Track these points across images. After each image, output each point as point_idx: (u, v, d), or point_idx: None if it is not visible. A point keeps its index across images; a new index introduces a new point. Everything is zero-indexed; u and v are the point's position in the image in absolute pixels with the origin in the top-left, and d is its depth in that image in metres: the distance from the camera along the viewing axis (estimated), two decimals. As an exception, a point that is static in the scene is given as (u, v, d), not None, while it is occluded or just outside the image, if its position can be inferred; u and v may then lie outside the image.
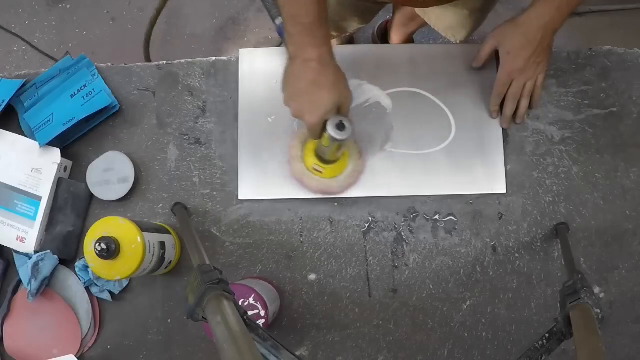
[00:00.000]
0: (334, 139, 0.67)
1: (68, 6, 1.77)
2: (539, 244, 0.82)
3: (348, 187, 0.82)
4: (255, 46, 1.71)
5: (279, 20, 0.73)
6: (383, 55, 0.87)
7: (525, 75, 0.78)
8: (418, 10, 1.08)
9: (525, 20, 0.74)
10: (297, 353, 0.81)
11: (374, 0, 1.00)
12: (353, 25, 1.08)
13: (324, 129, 0.67)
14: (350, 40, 1.59)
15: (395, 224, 0.83)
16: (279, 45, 0.89)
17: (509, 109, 0.82)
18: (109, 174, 0.83)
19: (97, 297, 0.82)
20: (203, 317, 0.56)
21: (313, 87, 0.66)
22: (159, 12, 1.31)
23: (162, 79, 0.87)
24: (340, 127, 0.66)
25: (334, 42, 1.43)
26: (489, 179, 0.83)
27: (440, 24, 1.07)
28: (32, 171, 0.81)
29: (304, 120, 0.68)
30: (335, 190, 0.81)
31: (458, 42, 1.09)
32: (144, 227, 0.72)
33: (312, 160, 0.80)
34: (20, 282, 0.82)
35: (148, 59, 1.42)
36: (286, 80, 0.69)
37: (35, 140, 0.81)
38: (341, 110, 0.68)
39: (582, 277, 0.63)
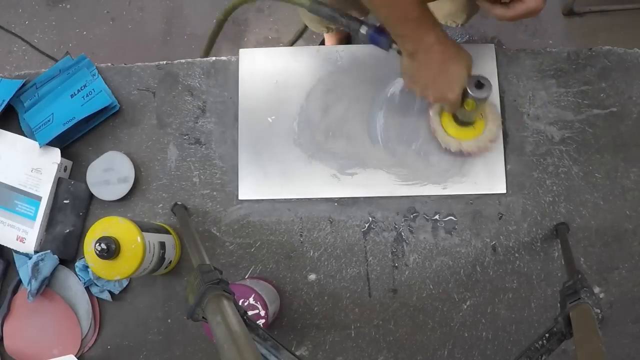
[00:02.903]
0: (478, 99, 0.69)
1: (68, 6, 1.77)
2: (539, 244, 0.82)
3: (483, 150, 0.81)
4: (255, 46, 1.71)
5: (363, 29, 0.74)
6: (383, 55, 0.87)
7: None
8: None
9: None
10: (297, 353, 0.81)
11: None
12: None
13: (464, 97, 0.70)
14: (348, 40, 1.59)
15: (395, 224, 0.83)
16: (281, 45, 0.89)
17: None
18: (109, 174, 0.83)
19: (97, 297, 0.82)
20: (203, 317, 0.56)
21: (444, 67, 0.69)
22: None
23: (162, 79, 0.87)
24: (478, 85, 0.69)
25: (332, 36, 1.43)
26: (489, 179, 0.83)
27: (438, 12, 1.07)
28: (32, 171, 0.81)
29: (447, 100, 0.71)
30: (473, 150, 0.81)
31: (459, 25, 1.09)
32: (144, 227, 0.72)
33: (450, 124, 0.81)
34: (20, 282, 0.82)
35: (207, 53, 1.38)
36: (413, 75, 0.72)
37: (35, 140, 0.81)
38: (469, 72, 0.71)
39: (582, 277, 0.63)
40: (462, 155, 0.82)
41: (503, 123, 0.84)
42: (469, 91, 0.69)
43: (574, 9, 1.65)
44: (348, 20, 0.75)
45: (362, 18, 1.10)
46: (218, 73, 0.87)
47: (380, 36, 0.73)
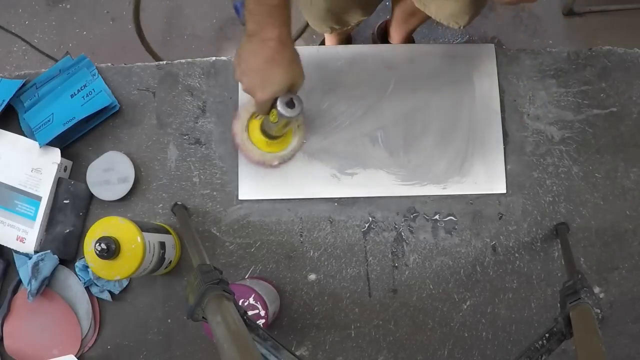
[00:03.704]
0: (282, 116, 0.68)
1: (68, 6, 1.77)
2: (539, 244, 0.82)
3: (283, 162, 0.83)
4: (255, 46, 1.70)
5: None
6: (383, 55, 0.87)
7: None
8: (418, 3, 1.08)
9: None
10: (297, 353, 0.81)
11: None
12: (355, 17, 1.08)
13: (273, 105, 0.69)
14: (349, 40, 1.59)
15: (395, 224, 0.83)
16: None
17: None
18: (109, 174, 0.83)
19: (97, 297, 0.82)
20: (203, 317, 0.56)
21: (269, 64, 0.67)
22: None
23: (162, 79, 0.87)
24: (290, 104, 0.68)
25: (332, 37, 1.43)
26: (489, 179, 0.83)
27: (441, 13, 1.07)
28: (32, 171, 0.81)
29: (254, 96, 0.69)
30: (272, 163, 0.82)
31: (462, 27, 1.09)
32: (144, 227, 0.72)
33: (257, 135, 0.81)
34: (20, 282, 0.82)
35: (152, 53, 1.42)
36: (241, 55, 0.70)
37: (35, 140, 0.81)
38: (293, 88, 0.69)
39: (582, 277, 0.63)
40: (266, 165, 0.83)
41: (503, 123, 0.84)
42: (277, 104, 0.68)
43: (574, 9, 1.65)
44: None
45: (364, 18, 1.10)
46: (218, 73, 0.87)
47: (242, 9, 0.72)
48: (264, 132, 0.80)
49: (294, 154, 0.83)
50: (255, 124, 0.81)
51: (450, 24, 1.08)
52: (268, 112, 0.72)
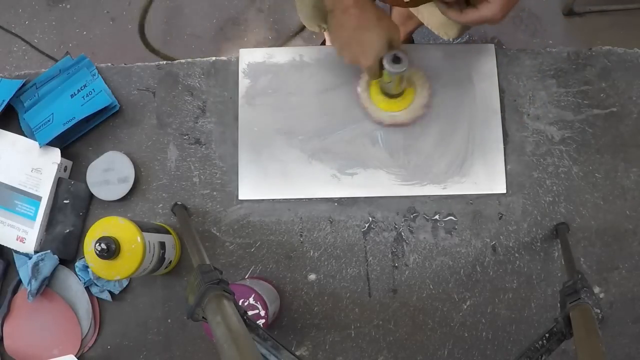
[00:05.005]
0: (392, 73, 0.69)
1: (68, 6, 1.77)
2: (539, 244, 0.82)
3: (425, 109, 0.83)
4: (255, 46, 1.71)
5: None
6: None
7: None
8: (412, 8, 1.08)
9: None
10: (297, 353, 0.81)
11: None
12: None
13: (381, 66, 0.70)
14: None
15: (395, 224, 0.83)
16: (282, 45, 0.89)
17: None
18: (109, 174, 0.83)
19: (97, 297, 0.82)
20: (203, 317, 0.56)
21: (358, 31, 0.68)
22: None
23: (162, 79, 0.87)
24: (395, 60, 0.69)
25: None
26: (489, 179, 0.83)
27: (432, 21, 1.07)
28: (32, 171, 0.81)
29: (360, 65, 0.70)
30: (406, 121, 0.83)
31: (451, 40, 1.09)
32: (144, 227, 0.72)
33: (380, 98, 0.82)
34: (20, 282, 0.82)
35: (150, 48, 1.43)
36: (333, 33, 0.71)
37: (35, 140, 0.81)
38: (392, 44, 0.70)
39: (582, 277, 0.63)
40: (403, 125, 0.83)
41: (503, 123, 0.84)
42: (383, 63, 0.69)
43: (574, 9, 1.65)
44: None
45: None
46: (218, 73, 0.87)
47: None
48: (386, 93, 0.81)
49: (423, 109, 0.83)
50: (376, 93, 0.83)
51: (441, 33, 1.09)
52: (380, 75, 0.73)
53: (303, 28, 1.59)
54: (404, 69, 0.69)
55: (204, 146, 0.85)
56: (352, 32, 0.68)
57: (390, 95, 0.82)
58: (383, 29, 0.69)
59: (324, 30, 1.16)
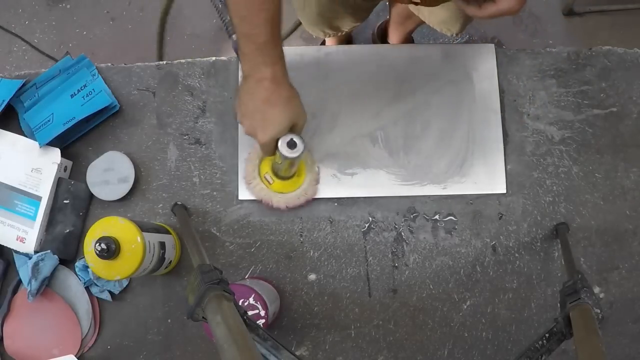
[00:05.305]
0: (285, 157, 0.67)
1: (68, 6, 1.77)
2: (539, 244, 0.82)
3: (306, 199, 0.82)
4: (255, 46, 1.70)
5: (235, 37, 0.73)
6: (383, 55, 0.87)
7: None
8: (412, 7, 1.08)
9: None
10: (297, 353, 0.81)
11: None
12: (347, 24, 1.08)
13: (276, 147, 0.68)
14: (349, 40, 1.59)
15: (395, 224, 0.83)
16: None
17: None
18: (109, 174, 0.82)
19: (97, 297, 0.82)
20: (203, 317, 0.56)
21: (266, 105, 0.66)
22: (165, 12, 1.32)
23: (162, 79, 0.87)
24: (291, 145, 0.67)
25: (331, 41, 1.43)
26: (489, 179, 0.83)
27: (433, 18, 1.07)
28: (32, 171, 0.81)
29: (256, 139, 0.68)
30: (278, 206, 0.81)
31: (454, 35, 1.08)
32: (144, 227, 0.72)
33: (276, 182, 0.81)
34: (20, 282, 0.82)
35: (160, 58, 1.43)
36: (240, 98, 0.69)
37: (35, 140, 0.81)
38: (295, 128, 0.68)
39: (582, 277, 0.63)
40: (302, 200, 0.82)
41: (503, 123, 0.84)
42: (278, 145, 0.67)
43: (574, 9, 1.65)
44: (229, 22, 0.73)
45: (356, 24, 1.10)
46: (218, 73, 0.87)
47: None
48: (275, 173, 0.80)
49: (304, 198, 0.81)
50: (267, 164, 0.81)
51: (443, 30, 1.09)
52: (273, 153, 0.70)
53: (298, 24, 1.59)
54: (296, 154, 0.67)
55: (204, 146, 0.85)
56: (260, 104, 0.66)
57: (278, 176, 0.80)
58: (290, 110, 0.67)
59: (329, 36, 1.15)
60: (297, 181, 0.82)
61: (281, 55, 0.66)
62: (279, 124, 0.66)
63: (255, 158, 0.82)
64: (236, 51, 0.74)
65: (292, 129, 0.68)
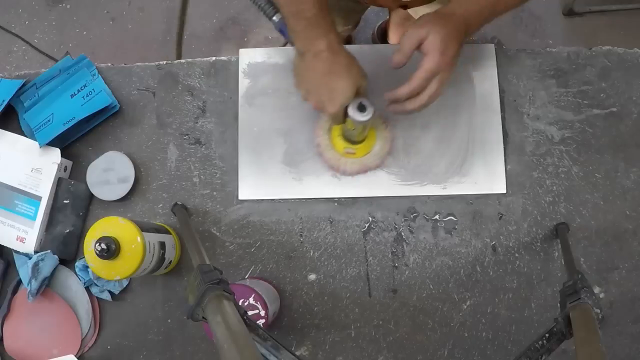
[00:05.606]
0: (357, 122, 0.68)
1: (68, 6, 1.77)
2: (539, 244, 0.82)
3: (385, 158, 0.82)
4: (255, 46, 1.70)
5: (277, 17, 0.74)
6: (383, 55, 0.87)
7: (448, 72, 0.69)
8: (409, 10, 1.08)
9: (454, 10, 0.68)
10: (297, 353, 0.81)
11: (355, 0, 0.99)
12: (338, 27, 1.08)
13: (346, 114, 0.69)
14: (349, 41, 1.59)
15: (395, 224, 0.83)
16: (282, 45, 0.88)
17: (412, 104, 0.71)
18: (109, 174, 0.83)
19: (97, 297, 0.82)
20: (203, 317, 0.56)
21: (328, 77, 0.66)
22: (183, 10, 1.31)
23: (162, 79, 0.87)
24: (361, 108, 0.68)
25: None
26: (489, 179, 0.83)
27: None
28: (32, 171, 0.81)
29: (325, 111, 0.69)
30: (375, 164, 0.82)
31: None
32: (144, 227, 0.72)
33: (343, 145, 0.81)
34: (20, 282, 0.82)
35: (179, 56, 1.42)
36: (300, 75, 0.69)
37: (35, 140, 0.81)
38: (359, 92, 0.69)
39: (582, 277, 0.63)
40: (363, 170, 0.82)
41: (503, 123, 0.84)
42: (349, 111, 0.68)
43: (574, 9, 1.65)
44: (265, 5, 0.74)
45: (346, 28, 1.10)
46: (218, 73, 0.87)
47: (286, 29, 0.71)
48: (347, 139, 0.81)
49: (388, 150, 0.82)
50: (337, 135, 0.82)
51: None
52: (344, 121, 0.71)
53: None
54: (368, 117, 0.68)
55: (204, 146, 0.85)
56: (322, 77, 0.66)
57: (351, 142, 0.81)
58: (353, 76, 0.67)
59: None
60: (371, 138, 0.82)
61: (332, 24, 0.67)
62: (345, 92, 0.66)
63: (325, 136, 0.82)
64: (282, 32, 0.74)
65: (357, 92, 0.68)
